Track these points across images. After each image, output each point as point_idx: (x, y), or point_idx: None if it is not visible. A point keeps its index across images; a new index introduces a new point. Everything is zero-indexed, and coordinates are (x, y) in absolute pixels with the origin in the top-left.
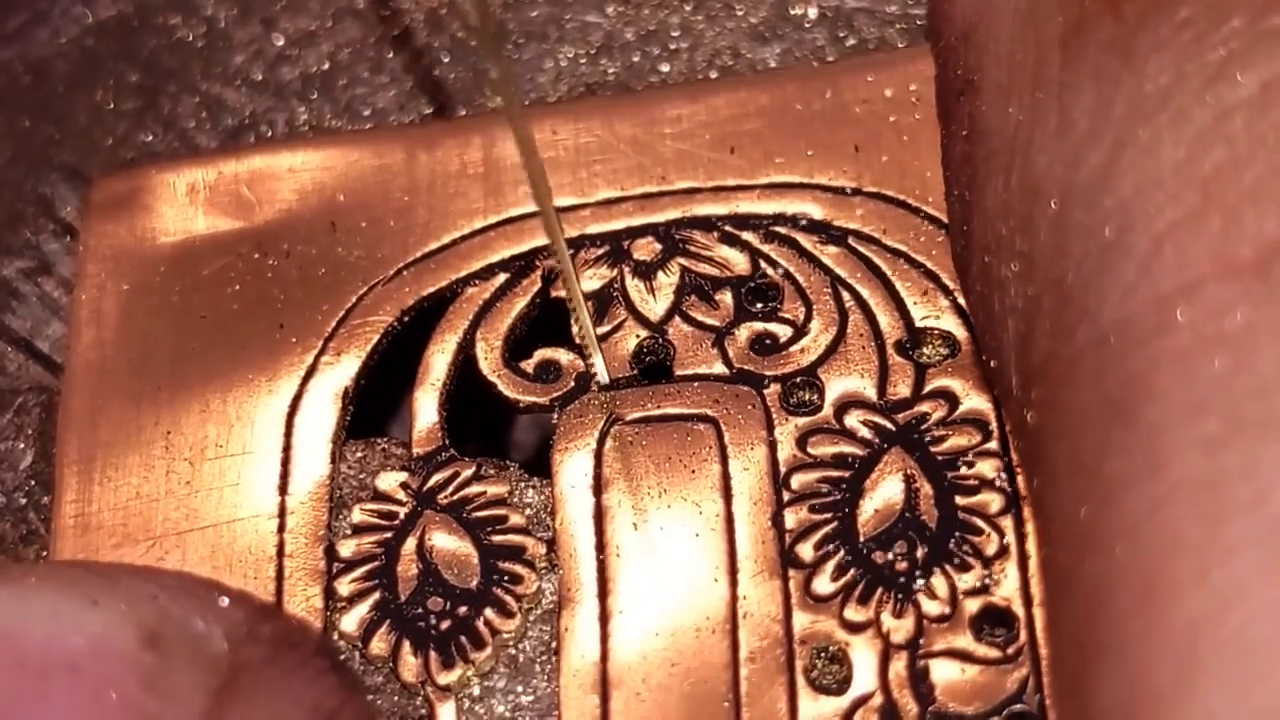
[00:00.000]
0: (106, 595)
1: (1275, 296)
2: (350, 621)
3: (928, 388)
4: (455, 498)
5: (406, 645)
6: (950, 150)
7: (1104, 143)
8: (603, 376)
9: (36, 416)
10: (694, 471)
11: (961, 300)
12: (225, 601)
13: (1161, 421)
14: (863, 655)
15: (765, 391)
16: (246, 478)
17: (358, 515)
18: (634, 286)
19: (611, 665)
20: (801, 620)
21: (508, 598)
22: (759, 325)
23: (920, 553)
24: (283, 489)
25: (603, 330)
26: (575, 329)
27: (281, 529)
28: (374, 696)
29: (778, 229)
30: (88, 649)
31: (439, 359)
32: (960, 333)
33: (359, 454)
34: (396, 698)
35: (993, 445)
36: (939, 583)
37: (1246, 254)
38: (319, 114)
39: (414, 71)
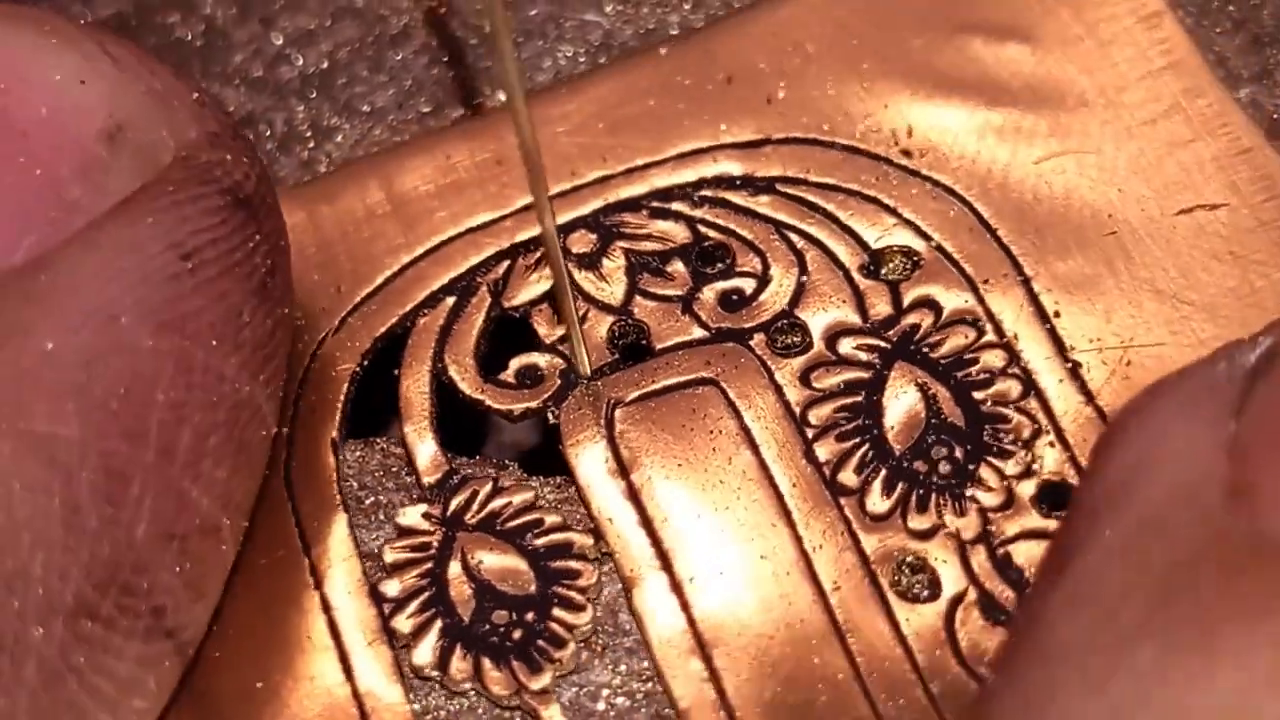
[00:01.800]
0: (98, 78)
1: None
2: (423, 654)
3: (907, 300)
4: (483, 514)
5: (486, 662)
6: (1020, 605)
7: None
8: (585, 368)
9: None
10: (712, 432)
11: (910, 214)
12: (193, 119)
13: None
14: (942, 558)
15: (751, 343)
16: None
17: (390, 555)
18: (585, 279)
19: (703, 628)
20: (869, 542)
21: (571, 594)
22: (721, 284)
23: (959, 452)
24: (306, 550)
25: (546, 336)
26: (560, 327)
27: (318, 585)
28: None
29: (704, 193)
30: (48, 121)
31: (416, 392)
32: (917, 243)
33: (373, 498)
34: (497, 711)
35: (990, 337)
36: (987, 474)
37: None
38: (318, 113)
39: (413, 71)
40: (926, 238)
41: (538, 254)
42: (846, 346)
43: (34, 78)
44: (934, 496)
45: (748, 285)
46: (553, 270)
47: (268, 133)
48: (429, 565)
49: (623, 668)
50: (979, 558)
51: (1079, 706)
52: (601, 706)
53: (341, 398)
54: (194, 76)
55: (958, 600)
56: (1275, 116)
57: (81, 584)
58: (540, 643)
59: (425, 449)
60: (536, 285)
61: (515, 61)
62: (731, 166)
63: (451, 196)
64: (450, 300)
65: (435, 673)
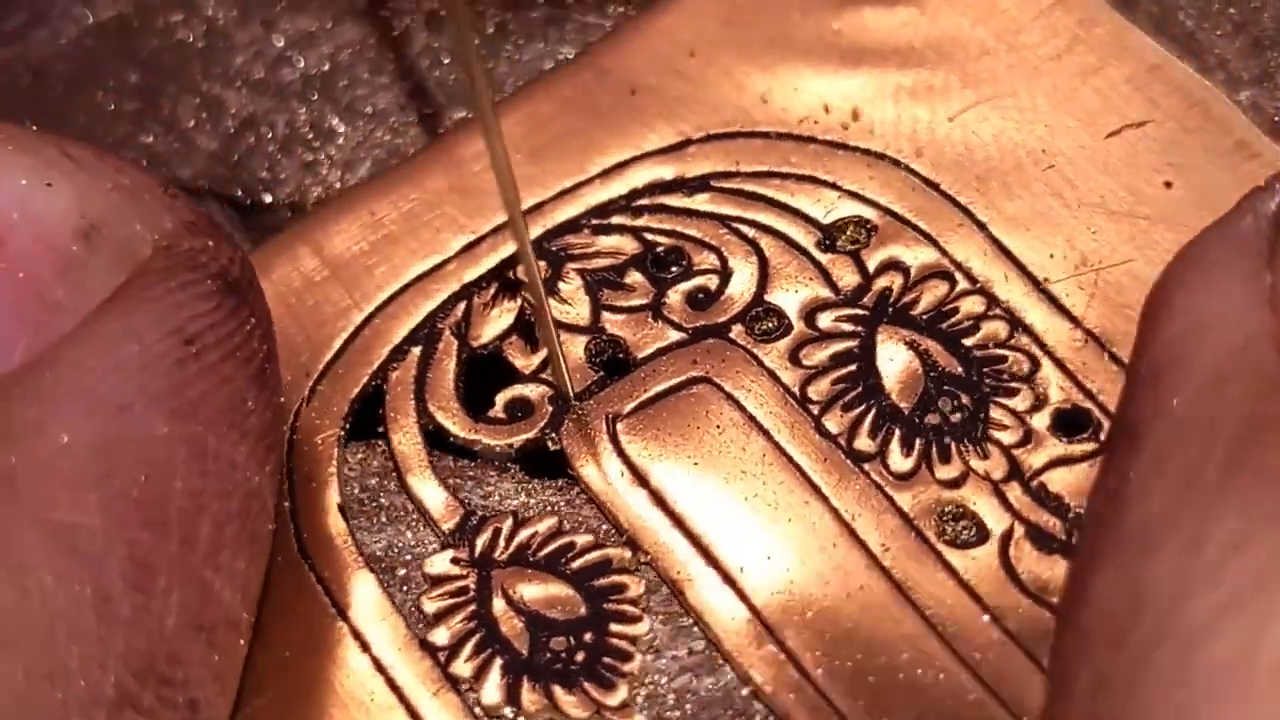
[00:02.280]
0: (65, 180)
1: None
2: (491, 694)
3: (872, 267)
4: (512, 549)
5: (558, 690)
6: (1097, 487)
7: (1220, 589)
8: (570, 390)
9: None
10: (718, 427)
11: (851, 185)
12: (166, 212)
13: None
14: (979, 501)
15: (731, 335)
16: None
17: (430, 606)
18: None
19: (766, 613)
20: (904, 499)
21: (624, 607)
22: (684, 285)
23: (966, 399)
24: (343, 616)
25: (541, 357)
26: (535, 356)
27: (365, 649)
28: None
29: (640, 202)
30: (20, 226)
31: (409, 445)
32: (867, 211)
33: (395, 554)
34: None
35: (964, 285)
36: (1000, 415)
37: None
38: (319, 115)
39: (414, 72)
40: (874, 204)
41: (491, 290)
42: (826, 321)
43: None
44: (954, 445)
45: (711, 282)
46: (531, 293)
47: (269, 135)
48: (472, 608)
49: (695, 667)
50: (1015, 494)
51: (1179, 565)
52: (687, 708)
53: (334, 463)
54: (195, 78)
55: (1007, 538)
56: (1276, 119)
57: (121, 674)
58: (606, 659)
59: (434, 496)
60: (499, 320)
61: (483, 73)
62: (661, 171)
63: (386, 250)
64: (416, 350)
65: (509, 710)
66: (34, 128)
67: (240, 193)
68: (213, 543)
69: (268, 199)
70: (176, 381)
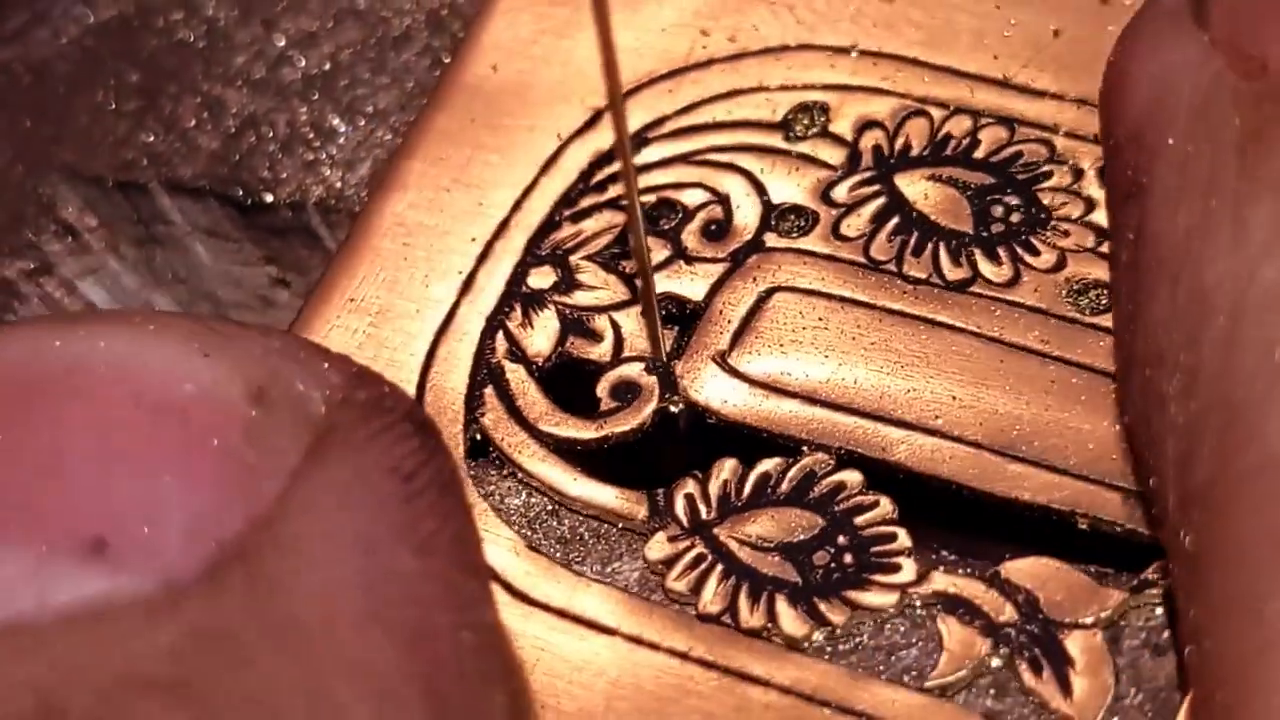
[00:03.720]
0: (218, 349)
1: None
2: (794, 626)
3: (849, 133)
4: (714, 504)
5: (851, 594)
6: (1116, 255)
7: (1277, 259)
8: (663, 352)
9: None
10: (820, 319)
11: (779, 80)
12: (326, 365)
13: None
14: (1094, 269)
15: (768, 244)
16: None
17: (679, 585)
18: (579, 298)
19: (987, 442)
20: (1027, 298)
21: (857, 499)
22: (692, 225)
23: (1012, 199)
24: (612, 633)
25: (609, 344)
26: (597, 345)
27: (656, 647)
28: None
29: (597, 179)
30: (197, 396)
31: (544, 470)
32: (806, 95)
33: (604, 562)
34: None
35: (939, 113)
36: (1050, 198)
37: None
38: (320, 114)
39: (415, 72)
40: (805, 86)
41: (516, 308)
42: (843, 194)
43: (158, 364)
44: (1032, 239)
45: (714, 211)
46: (639, 267)
47: (270, 135)
48: (721, 567)
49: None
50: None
51: (1233, 260)
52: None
53: (498, 523)
54: (196, 78)
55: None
56: None
57: None
58: (873, 549)
59: (607, 498)
60: (545, 329)
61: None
62: (595, 144)
63: (397, 322)
64: (489, 390)
65: (821, 634)
66: (30, 124)
67: (241, 192)
68: (482, 677)
69: (268, 199)
70: (409, 518)
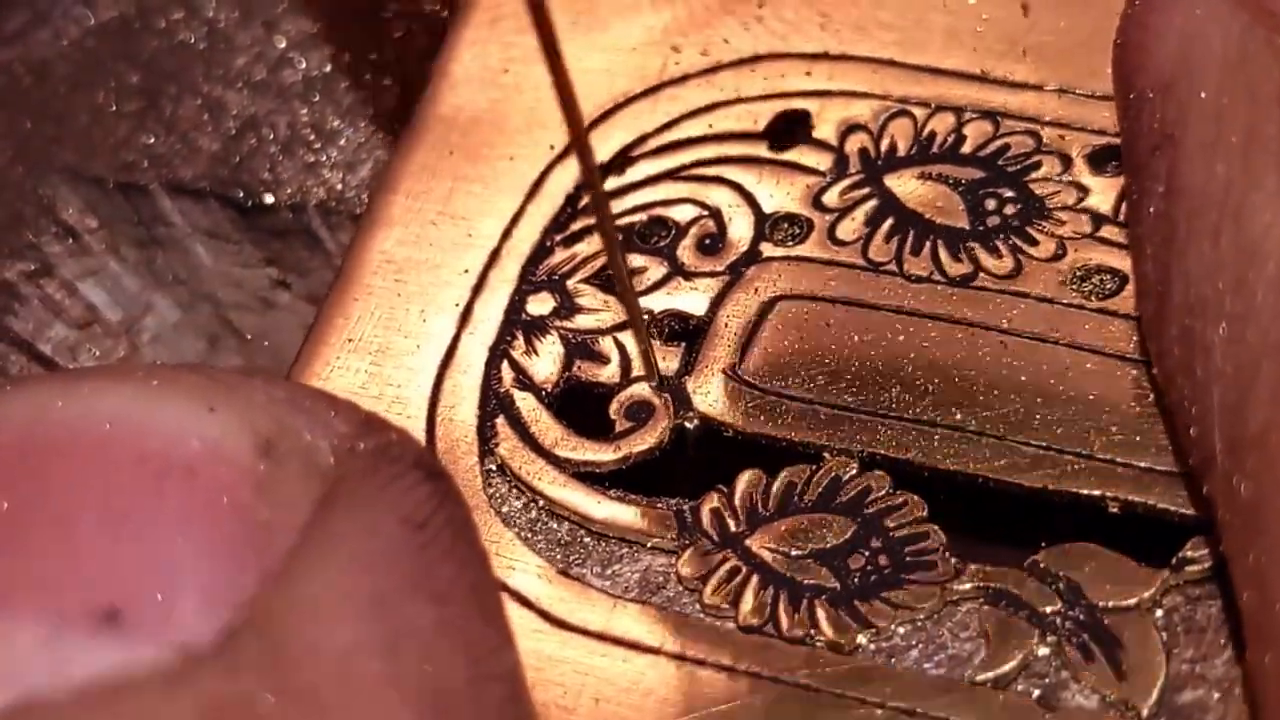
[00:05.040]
0: (224, 403)
1: None
2: (834, 632)
3: (834, 138)
4: (743, 515)
5: (892, 595)
6: (1142, 206)
7: None
8: (655, 371)
9: None
10: (826, 323)
11: (757, 90)
12: (333, 414)
13: None
14: (1094, 254)
15: (764, 254)
16: None
17: (715, 599)
18: (579, 323)
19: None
20: (1034, 288)
21: (887, 501)
22: (685, 241)
23: (1006, 192)
24: (656, 652)
25: (614, 364)
26: (604, 367)
27: (701, 663)
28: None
29: (585, 202)
30: (204, 453)
31: (569, 496)
32: (788, 103)
33: (638, 588)
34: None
35: (921, 112)
36: (1042, 187)
37: None
38: (321, 116)
39: (415, 73)
40: (784, 95)
41: (519, 337)
42: (834, 199)
43: (163, 421)
44: (1031, 229)
45: (706, 225)
46: (623, 300)
47: (270, 136)
48: (756, 577)
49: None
50: (1113, 233)
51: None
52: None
53: (527, 553)
54: (196, 79)
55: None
56: None
57: None
58: (907, 549)
59: (633, 517)
60: (549, 355)
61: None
62: (573, 172)
63: (405, 361)
64: (500, 420)
65: (864, 636)
66: (30, 125)
67: (241, 194)
68: None
69: (269, 200)
70: (423, 568)
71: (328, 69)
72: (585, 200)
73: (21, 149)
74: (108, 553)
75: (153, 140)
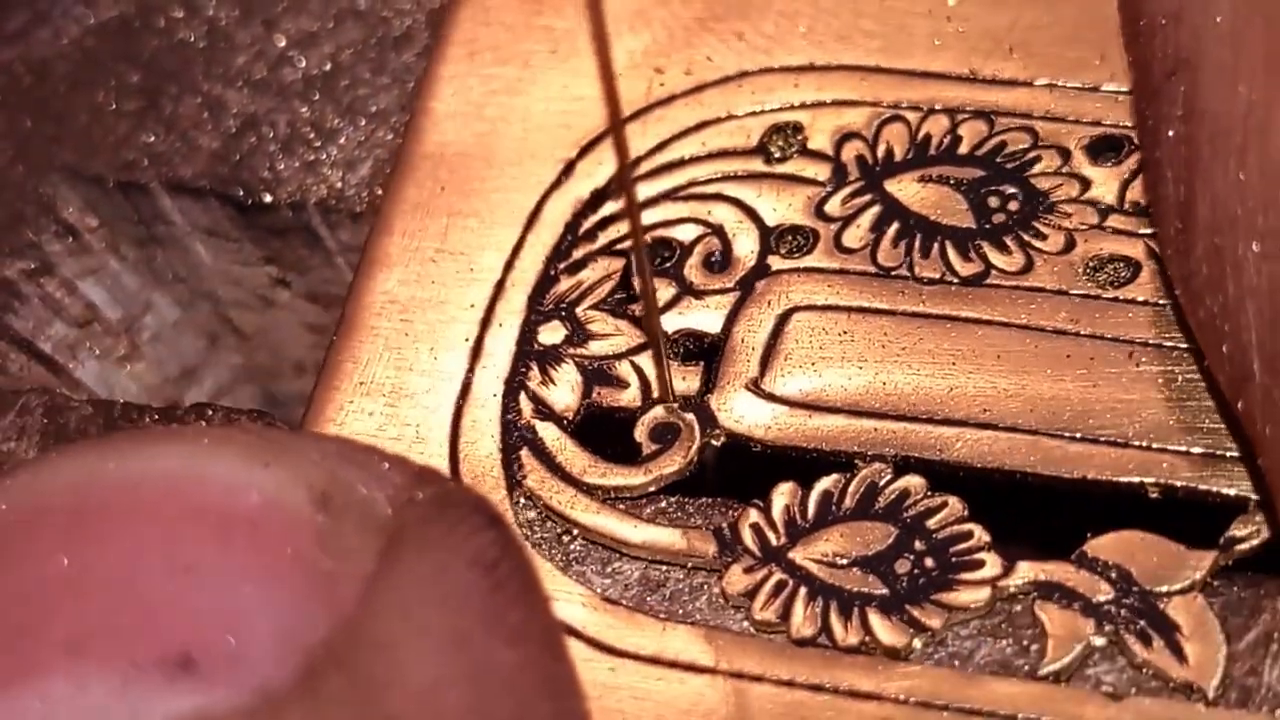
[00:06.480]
0: (277, 459)
1: None
2: (892, 637)
3: (829, 147)
4: (783, 529)
5: (943, 596)
6: (1159, 130)
7: None
8: (670, 392)
9: (39, 418)
10: (844, 333)
11: (748, 108)
12: (386, 466)
13: None
14: (1105, 244)
15: (773, 267)
16: None
17: (766, 615)
18: (595, 348)
19: (1034, 423)
20: (1047, 281)
21: (924, 503)
22: (692, 260)
23: (1008, 189)
24: (714, 672)
25: (634, 388)
26: (624, 391)
27: (759, 679)
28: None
29: (585, 228)
30: (263, 507)
31: (602, 522)
32: (778, 117)
33: (686, 602)
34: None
35: (914, 116)
36: (1044, 182)
37: None
38: (321, 115)
39: (415, 73)
40: (776, 110)
41: (532, 368)
42: (836, 208)
43: (218, 477)
44: (1038, 224)
45: (711, 244)
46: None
47: (270, 135)
48: (804, 590)
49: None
50: (1120, 222)
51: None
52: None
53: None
54: (196, 78)
55: (1151, 253)
56: None
57: None
58: (952, 550)
59: (674, 539)
60: (566, 382)
61: None
62: (575, 192)
63: (417, 399)
64: (524, 452)
65: (919, 641)
66: (30, 124)
67: (241, 193)
68: None
69: (269, 199)
70: (496, 609)
71: (327, 67)
72: (586, 224)
73: (21, 148)
74: (176, 602)
75: (153, 139)
